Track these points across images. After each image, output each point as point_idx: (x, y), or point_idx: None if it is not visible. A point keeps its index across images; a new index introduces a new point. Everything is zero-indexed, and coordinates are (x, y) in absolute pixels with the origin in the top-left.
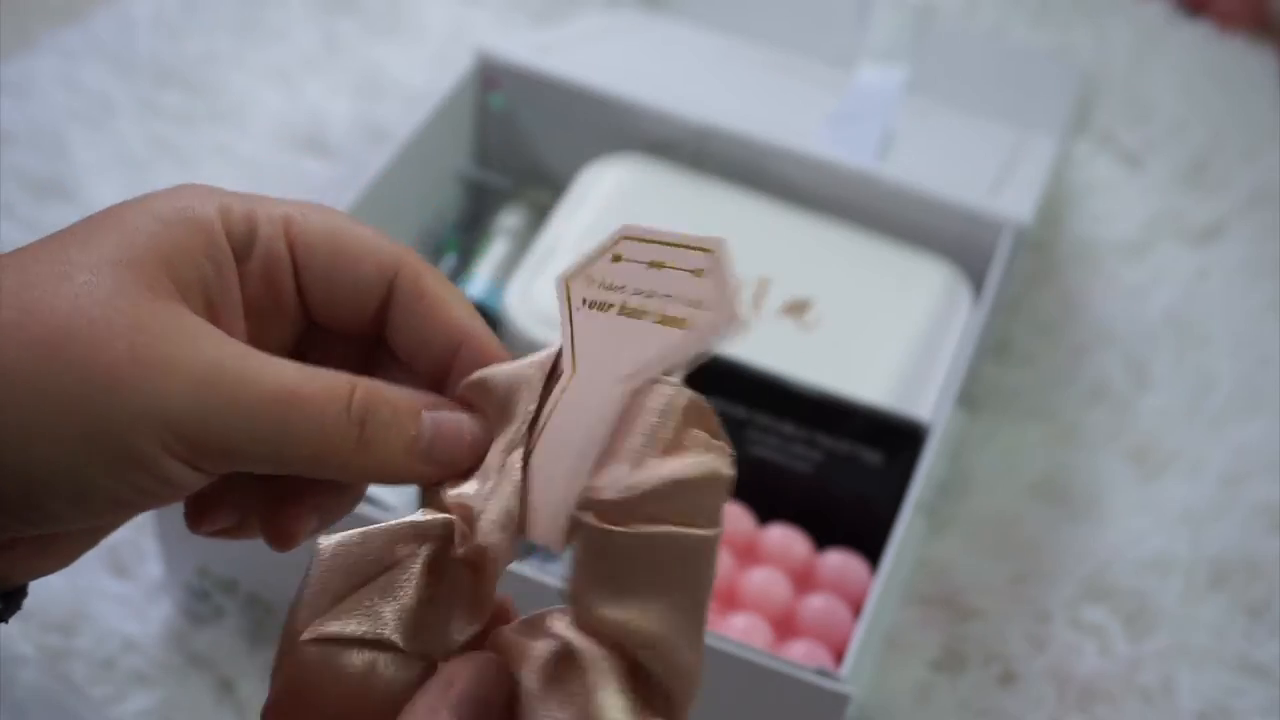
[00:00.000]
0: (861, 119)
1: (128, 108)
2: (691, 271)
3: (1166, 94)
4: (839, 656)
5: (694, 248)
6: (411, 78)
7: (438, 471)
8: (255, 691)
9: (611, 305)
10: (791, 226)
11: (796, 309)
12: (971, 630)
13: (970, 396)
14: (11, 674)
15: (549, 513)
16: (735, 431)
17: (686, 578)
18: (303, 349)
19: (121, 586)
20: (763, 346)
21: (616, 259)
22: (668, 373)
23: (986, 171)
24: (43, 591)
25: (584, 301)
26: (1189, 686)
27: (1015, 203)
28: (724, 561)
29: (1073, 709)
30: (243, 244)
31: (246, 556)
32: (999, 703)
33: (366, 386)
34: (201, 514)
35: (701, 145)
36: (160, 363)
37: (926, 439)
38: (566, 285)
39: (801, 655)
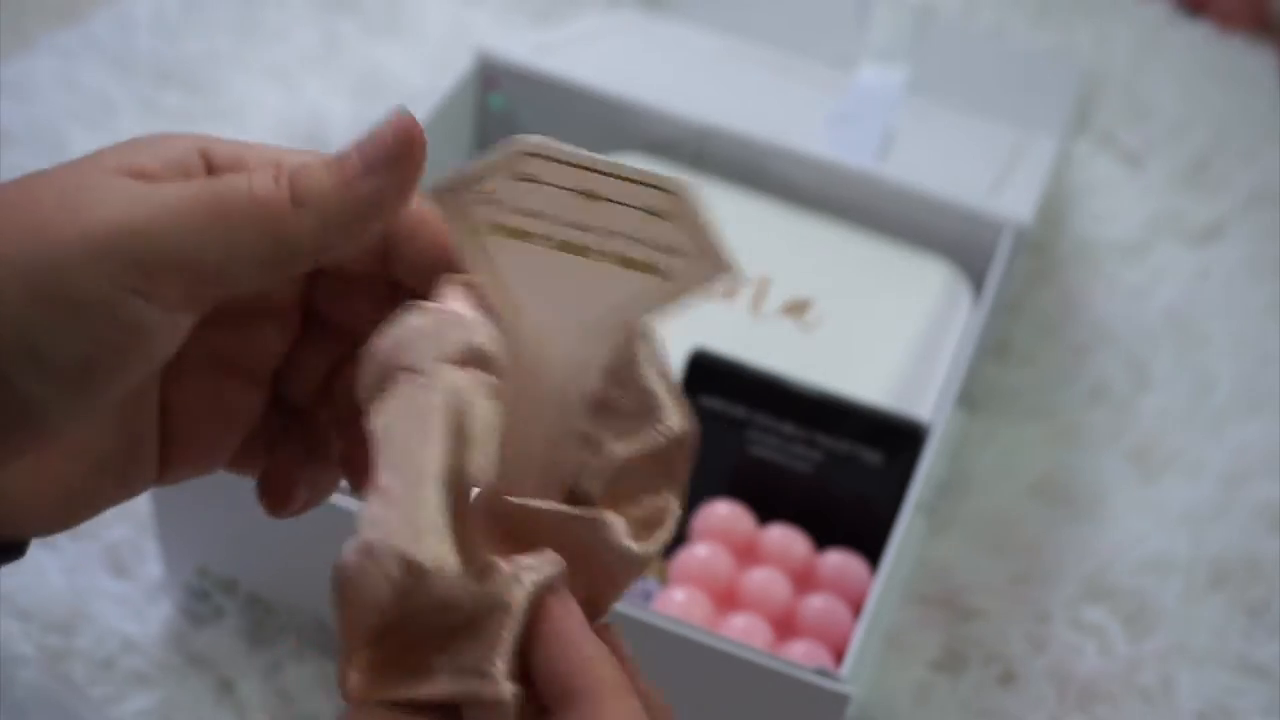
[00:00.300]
0: (861, 119)
1: (128, 108)
2: (646, 211)
3: (1166, 94)
4: (839, 656)
5: (644, 183)
6: (411, 78)
7: (386, 181)
8: (255, 691)
9: (534, 235)
10: (791, 226)
11: (796, 309)
12: (972, 630)
13: (970, 396)
14: (11, 674)
15: (535, 475)
16: (735, 431)
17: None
18: (315, 300)
19: (121, 586)
20: (763, 346)
21: (525, 179)
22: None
23: (986, 171)
24: (43, 591)
25: (491, 226)
26: (1189, 686)
27: (1015, 203)
28: (724, 561)
29: (1073, 709)
30: (224, 163)
31: (246, 556)
32: (999, 703)
33: (288, 163)
34: (273, 493)
35: (701, 145)
36: (91, 203)
37: (926, 439)
38: (450, 201)
39: (801, 655)
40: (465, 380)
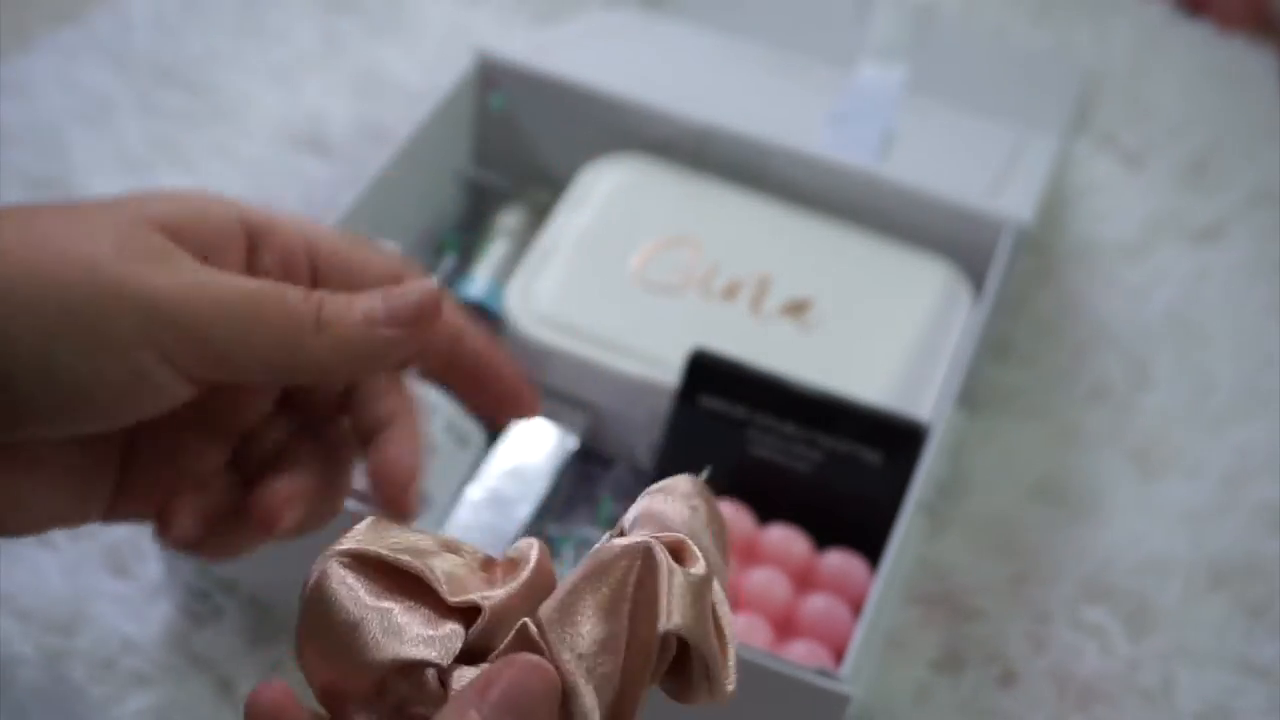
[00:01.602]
0: (861, 119)
1: (127, 108)
2: None
3: (1166, 94)
4: (839, 656)
5: None
6: (411, 78)
7: (401, 334)
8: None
9: None
10: (792, 226)
11: (796, 309)
12: (971, 630)
13: (970, 396)
14: (11, 674)
15: None
16: (735, 431)
17: None
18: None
19: (121, 586)
20: (763, 346)
21: None
22: None
23: (986, 171)
24: (43, 591)
25: None
26: (1189, 687)
27: (1015, 203)
28: None
29: (1073, 709)
30: (260, 231)
31: (247, 557)
32: (999, 703)
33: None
34: (168, 519)
35: (701, 145)
36: (143, 256)
37: (926, 439)
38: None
39: (801, 655)
40: None
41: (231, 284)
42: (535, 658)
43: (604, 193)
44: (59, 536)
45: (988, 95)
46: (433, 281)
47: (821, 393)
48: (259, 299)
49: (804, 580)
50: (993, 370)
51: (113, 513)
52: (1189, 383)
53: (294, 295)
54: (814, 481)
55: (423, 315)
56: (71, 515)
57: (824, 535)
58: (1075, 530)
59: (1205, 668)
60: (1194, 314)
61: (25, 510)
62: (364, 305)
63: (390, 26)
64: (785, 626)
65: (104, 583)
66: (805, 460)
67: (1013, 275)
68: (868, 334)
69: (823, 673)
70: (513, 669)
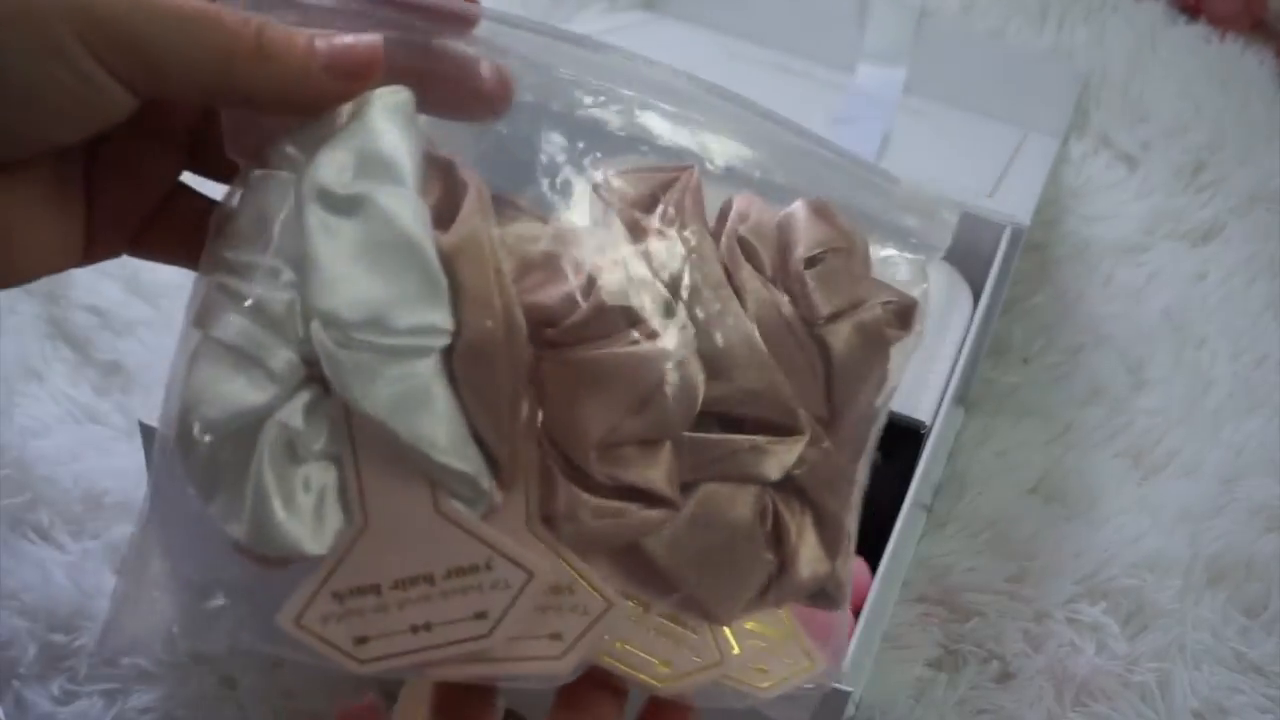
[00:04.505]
0: (861, 120)
1: None
2: None
3: (1165, 94)
4: (838, 655)
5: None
6: None
7: (341, 83)
8: (256, 688)
9: None
10: None
11: None
12: (969, 629)
13: (968, 396)
14: (15, 671)
15: None
16: None
17: None
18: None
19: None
20: None
21: None
22: None
23: (986, 172)
24: (46, 590)
25: None
26: (1186, 685)
27: (1014, 203)
28: None
29: (1070, 707)
30: None
31: None
32: (997, 701)
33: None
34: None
35: None
36: None
37: (925, 439)
38: None
39: None
40: None
41: (169, 1)
42: None
43: None
44: (63, 536)
45: (987, 96)
46: (378, 40)
47: None
48: (194, 16)
49: None
50: (991, 370)
51: (91, 248)
52: (1186, 382)
53: (232, 18)
54: None
55: (363, 71)
56: (53, 254)
57: None
58: (1073, 529)
59: (1202, 666)
60: (1191, 314)
61: (10, 247)
62: (304, 43)
63: None
64: None
65: (107, 581)
66: None
67: (1011, 276)
68: None
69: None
70: None
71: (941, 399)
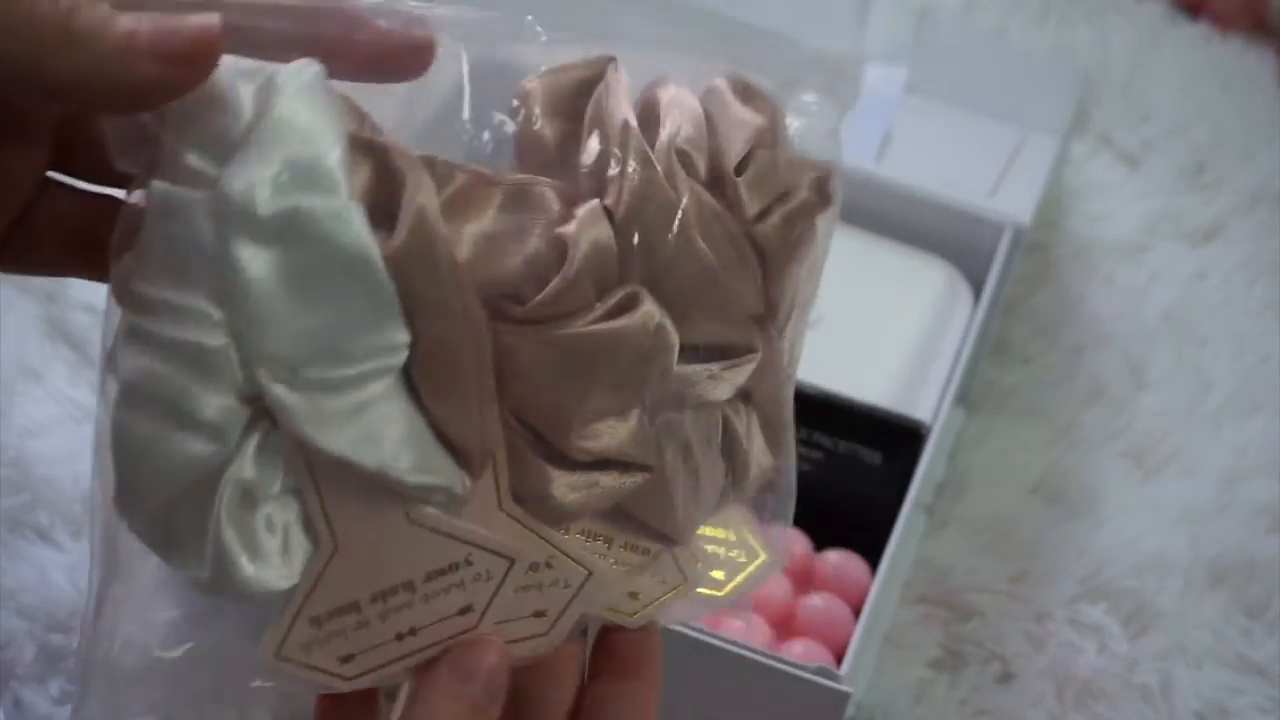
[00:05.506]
0: (862, 119)
1: None
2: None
3: (1166, 94)
4: (838, 656)
5: None
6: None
7: (172, 69)
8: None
9: None
10: None
11: None
12: (970, 629)
13: (969, 396)
14: (13, 671)
15: None
16: None
17: None
18: None
19: (123, 586)
20: None
21: None
22: None
23: (986, 172)
24: (44, 590)
25: None
26: (1187, 686)
27: (1015, 203)
28: None
29: (1071, 708)
30: None
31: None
32: (998, 701)
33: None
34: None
35: None
36: None
37: (926, 439)
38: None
39: (801, 654)
40: None
41: None
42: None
43: None
44: (62, 536)
45: (987, 95)
46: (214, 19)
47: (821, 392)
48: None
49: (803, 580)
50: (991, 370)
51: None
52: (1187, 382)
53: (44, 2)
54: (813, 481)
55: (194, 57)
56: None
57: (823, 535)
58: (1073, 529)
59: (1203, 667)
60: (1192, 314)
61: None
62: (126, 25)
63: None
64: (785, 626)
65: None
66: (804, 460)
67: (1012, 275)
68: (868, 334)
69: (822, 671)
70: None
71: (942, 399)
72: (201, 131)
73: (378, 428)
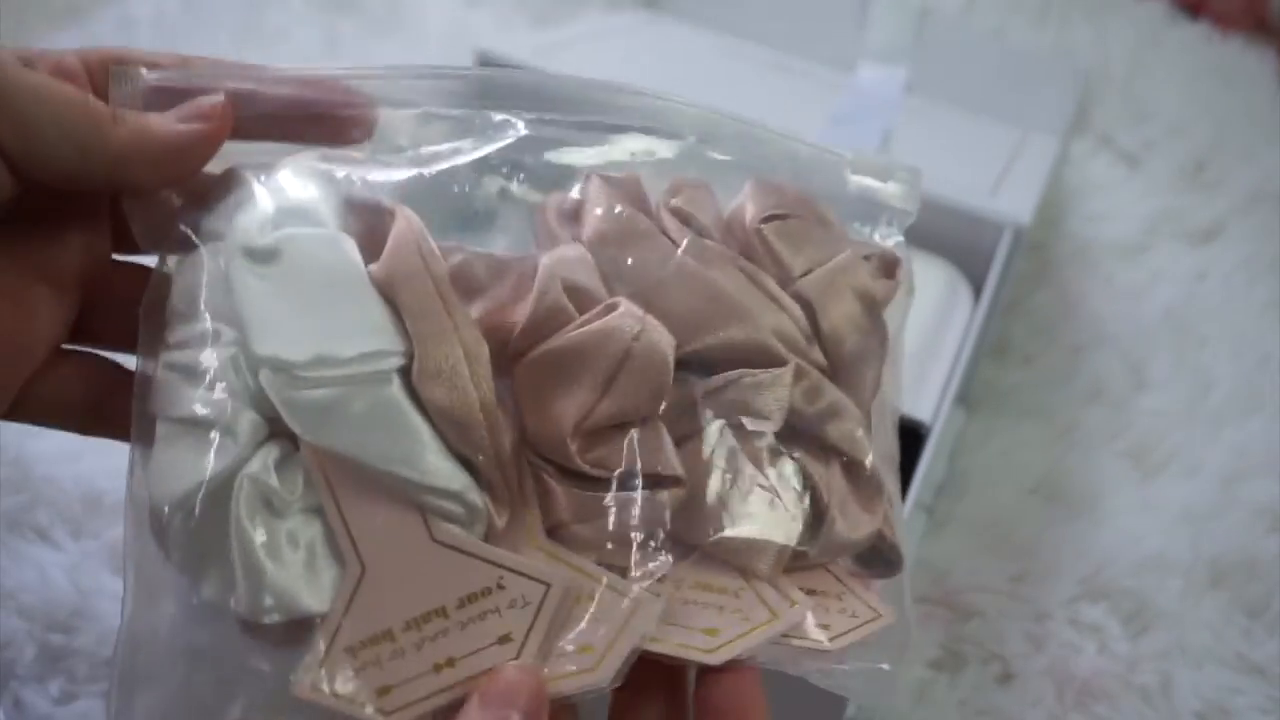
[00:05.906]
0: (862, 119)
1: None
2: None
3: (1166, 94)
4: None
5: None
6: None
7: (200, 129)
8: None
9: None
10: None
11: None
12: (970, 629)
13: (969, 396)
14: (13, 671)
15: None
16: None
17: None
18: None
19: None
20: None
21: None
22: None
23: (986, 171)
24: (45, 590)
25: None
26: (1188, 686)
27: (1015, 203)
28: None
29: (1071, 708)
30: (29, 58)
31: None
32: (998, 702)
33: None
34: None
35: None
36: None
37: (926, 439)
38: None
39: None
40: None
41: (38, 77)
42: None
43: None
44: (62, 536)
45: (987, 95)
46: (219, 97)
47: None
48: (53, 89)
49: None
50: (992, 370)
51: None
52: (1187, 382)
53: (93, 99)
54: None
55: (213, 113)
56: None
57: None
58: (1074, 529)
59: (1203, 666)
60: (1192, 314)
61: None
62: (159, 114)
63: (390, 27)
64: None
65: (106, 581)
66: None
67: (1012, 275)
68: None
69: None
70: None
71: (942, 399)
72: (218, 204)
73: (383, 426)
